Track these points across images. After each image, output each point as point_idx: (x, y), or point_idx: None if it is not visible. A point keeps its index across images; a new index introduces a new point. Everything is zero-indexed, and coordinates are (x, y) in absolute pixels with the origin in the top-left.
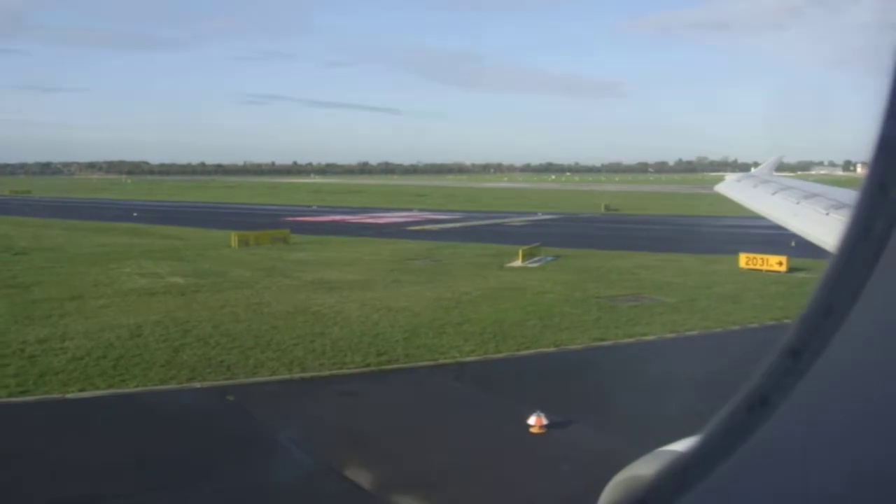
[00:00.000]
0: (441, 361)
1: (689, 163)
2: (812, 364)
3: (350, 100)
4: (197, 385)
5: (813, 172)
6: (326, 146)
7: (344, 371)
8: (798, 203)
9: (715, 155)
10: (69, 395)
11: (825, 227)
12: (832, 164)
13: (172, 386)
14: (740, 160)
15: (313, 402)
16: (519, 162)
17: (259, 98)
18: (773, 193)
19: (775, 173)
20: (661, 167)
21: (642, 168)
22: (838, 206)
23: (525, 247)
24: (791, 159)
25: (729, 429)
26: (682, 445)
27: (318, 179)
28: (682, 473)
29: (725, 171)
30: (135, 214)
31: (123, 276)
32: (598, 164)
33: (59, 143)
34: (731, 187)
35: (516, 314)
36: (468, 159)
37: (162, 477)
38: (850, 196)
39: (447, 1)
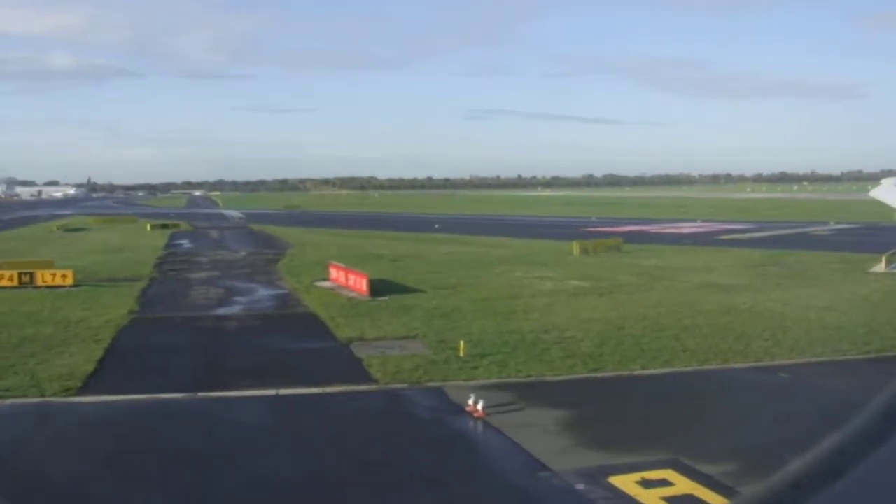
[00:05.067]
0: None
1: None
2: None
3: (572, 111)
4: (735, 365)
5: None
6: (550, 159)
7: (849, 357)
8: None
9: None
10: (636, 372)
11: None
12: None
13: (713, 366)
14: None
15: (855, 380)
16: (749, 171)
17: (480, 113)
18: None
19: None
20: None
21: (887, 175)
22: None
23: (887, 253)
24: None
25: None
26: None
27: (546, 192)
28: None
29: None
30: (436, 226)
31: (524, 280)
32: (836, 171)
33: (291, 161)
34: (887, 191)
35: None
36: (694, 170)
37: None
38: None
39: (669, 4)
